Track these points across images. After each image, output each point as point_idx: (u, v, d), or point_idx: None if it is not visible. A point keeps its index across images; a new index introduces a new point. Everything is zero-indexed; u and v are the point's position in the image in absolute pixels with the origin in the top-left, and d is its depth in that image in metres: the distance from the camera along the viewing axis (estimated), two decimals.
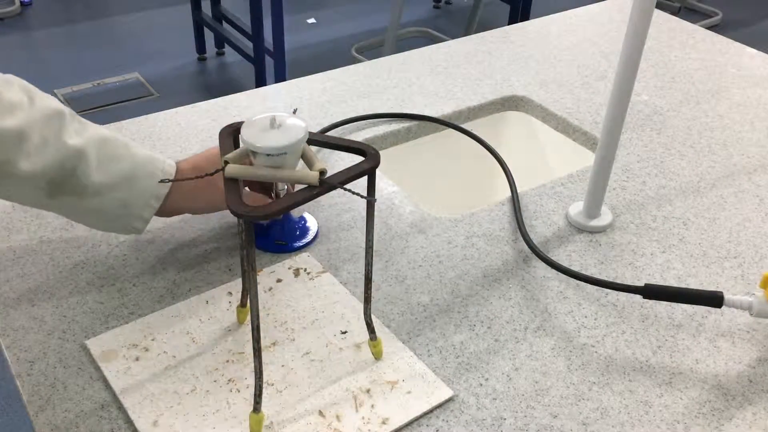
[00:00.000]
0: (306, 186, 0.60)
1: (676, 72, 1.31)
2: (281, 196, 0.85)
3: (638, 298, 0.82)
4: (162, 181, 0.70)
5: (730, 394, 0.72)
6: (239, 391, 0.70)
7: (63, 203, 0.76)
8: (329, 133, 1.08)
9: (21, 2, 3.66)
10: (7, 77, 0.73)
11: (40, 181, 0.72)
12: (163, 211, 0.81)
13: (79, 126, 0.76)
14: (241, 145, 0.63)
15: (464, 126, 1.17)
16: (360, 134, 1.10)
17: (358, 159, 0.65)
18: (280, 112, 0.63)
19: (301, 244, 0.87)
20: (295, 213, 0.90)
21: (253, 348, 0.62)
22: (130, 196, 0.77)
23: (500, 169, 1.04)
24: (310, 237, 0.89)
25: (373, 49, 3.23)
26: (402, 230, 0.91)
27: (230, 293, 0.80)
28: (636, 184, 1.02)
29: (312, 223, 0.91)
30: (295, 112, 0.66)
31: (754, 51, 1.41)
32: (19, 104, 0.71)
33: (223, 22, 3.20)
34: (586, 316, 0.80)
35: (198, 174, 0.79)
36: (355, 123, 1.12)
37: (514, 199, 0.96)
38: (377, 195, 0.96)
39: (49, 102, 0.74)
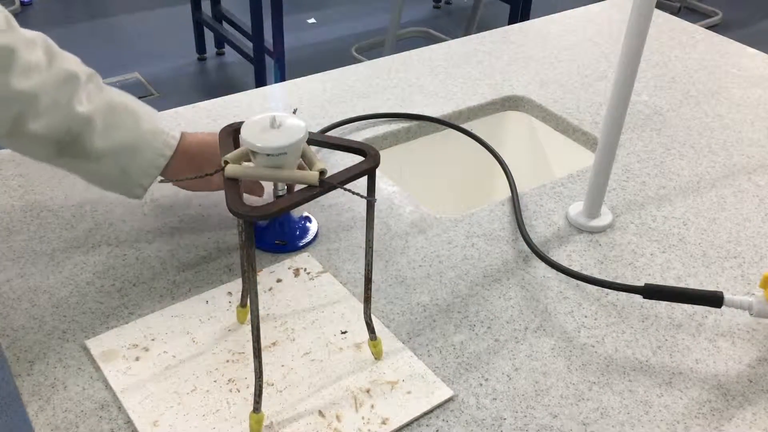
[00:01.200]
0: (306, 186, 0.60)
1: (676, 72, 1.31)
2: (280, 195, 0.85)
3: (638, 298, 0.82)
4: (161, 179, 0.71)
5: (730, 394, 0.72)
6: (239, 391, 0.70)
7: (69, 163, 0.79)
8: (329, 133, 1.08)
9: (21, 2, 3.66)
10: (32, 37, 0.75)
11: (49, 142, 0.75)
12: (165, 176, 0.83)
13: (94, 90, 0.78)
14: (241, 145, 0.63)
15: (464, 126, 1.17)
16: (360, 134, 1.10)
17: (358, 159, 0.65)
18: (280, 112, 0.63)
19: (301, 244, 0.87)
20: (295, 213, 0.90)
21: (253, 348, 0.62)
22: (130, 165, 0.79)
23: (500, 169, 1.04)
24: (311, 237, 0.88)
25: (373, 49, 3.23)
26: (402, 230, 0.91)
27: (230, 293, 0.80)
28: (636, 184, 1.02)
29: (312, 223, 0.91)
30: (295, 112, 0.66)
31: (754, 51, 1.41)
32: (36, 66, 0.73)
33: (223, 22, 3.19)
34: (586, 316, 0.80)
35: (198, 163, 0.82)
36: (355, 123, 1.12)
37: (515, 199, 0.96)
38: (377, 195, 0.96)
39: (66, 65, 0.76)
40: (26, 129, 0.74)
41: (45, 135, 0.75)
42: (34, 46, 0.74)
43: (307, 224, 0.90)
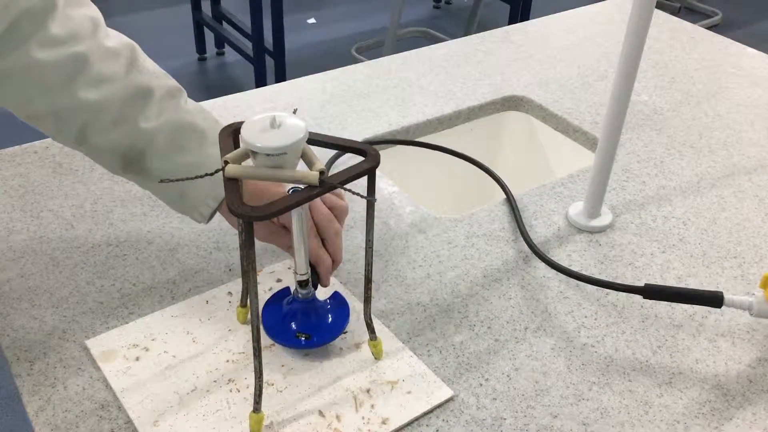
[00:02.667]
0: (306, 186, 0.60)
1: (676, 72, 1.31)
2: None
3: (638, 298, 0.82)
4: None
5: (730, 394, 0.72)
6: (239, 391, 0.70)
7: (135, 179, 0.77)
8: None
9: None
10: (116, 47, 0.72)
11: (113, 155, 0.74)
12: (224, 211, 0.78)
13: (169, 107, 0.74)
14: (241, 145, 0.63)
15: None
16: (360, 134, 1.10)
17: (358, 159, 0.65)
18: (280, 112, 0.63)
19: (331, 336, 0.73)
20: (320, 294, 0.74)
21: (253, 348, 0.62)
22: (189, 191, 0.75)
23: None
24: (344, 323, 0.74)
25: (373, 49, 3.23)
26: (402, 230, 0.91)
27: (230, 293, 0.80)
28: (636, 184, 1.02)
29: (344, 306, 0.75)
30: (295, 112, 0.66)
31: (754, 51, 1.41)
32: (109, 77, 0.71)
33: (223, 22, 3.19)
34: (586, 316, 0.80)
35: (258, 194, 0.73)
36: (355, 124, 1.12)
37: (514, 208, 0.96)
38: (377, 195, 0.96)
39: (143, 79, 0.73)
40: (90, 140, 0.73)
41: (108, 148, 0.73)
42: (115, 56, 0.72)
43: (339, 306, 0.76)
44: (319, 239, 0.73)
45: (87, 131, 0.72)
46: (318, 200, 0.74)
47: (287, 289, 0.76)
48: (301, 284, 0.71)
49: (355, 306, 0.79)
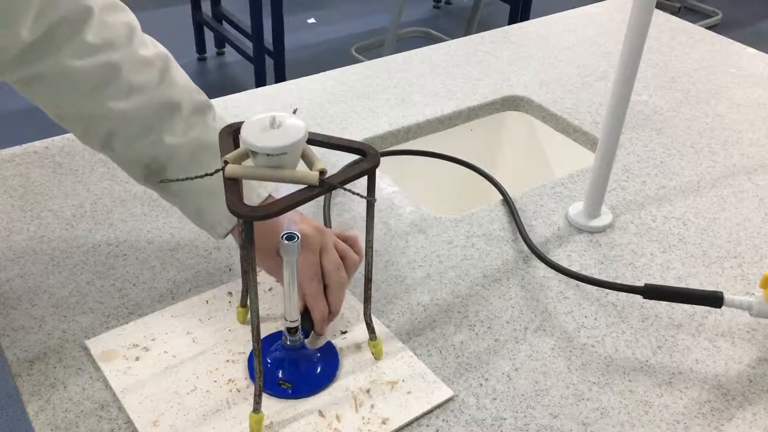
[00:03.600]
0: (306, 186, 0.60)
1: (676, 72, 1.31)
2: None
3: (638, 298, 0.82)
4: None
5: (730, 394, 0.72)
6: (239, 391, 0.69)
7: (156, 190, 0.77)
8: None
9: None
10: (150, 57, 0.72)
11: (135, 164, 0.74)
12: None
13: (197, 123, 0.74)
14: (241, 145, 0.63)
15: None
16: (360, 134, 1.10)
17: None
18: (280, 112, 0.63)
19: (311, 389, 0.70)
20: (309, 344, 0.72)
21: (253, 348, 0.62)
22: (205, 209, 0.75)
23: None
24: (328, 378, 0.71)
25: (373, 49, 3.23)
26: (402, 230, 0.91)
27: (230, 293, 0.80)
28: (636, 184, 1.02)
29: (334, 357, 0.73)
30: (295, 112, 0.66)
31: (754, 51, 1.41)
32: (140, 87, 0.71)
33: (223, 22, 3.19)
34: (586, 316, 0.80)
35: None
36: (355, 124, 1.12)
37: (513, 212, 0.96)
38: (377, 195, 0.96)
39: (173, 92, 0.72)
40: (116, 147, 0.73)
41: (132, 157, 0.73)
42: (148, 66, 0.72)
43: (328, 356, 0.73)
44: (322, 284, 0.72)
45: (113, 138, 0.72)
46: (331, 244, 0.73)
47: (279, 333, 0.72)
48: (290, 331, 0.69)
49: (355, 306, 0.79)
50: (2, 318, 0.77)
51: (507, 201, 0.96)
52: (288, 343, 0.70)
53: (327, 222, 0.90)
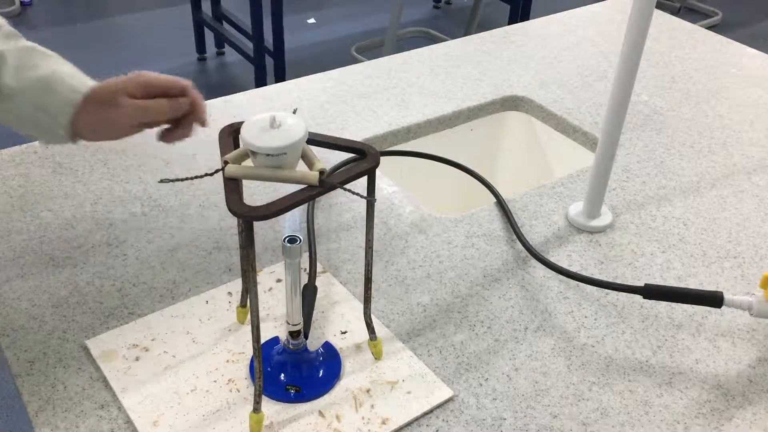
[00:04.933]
0: (306, 186, 0.60)
1: (676, 72, 1.31)
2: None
3: (638, 298, 0.82)
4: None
5: (730, 394, 0.72)
6: (239, 391, 0.69)
7: None
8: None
9: (21, 2, 3.65)
10: None
11: None
12: (78, 129, 0.76)
13: (12, 36, 0.76)
14: (241, 145, 0.63)
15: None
16: (360, 134, 1.10)
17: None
18: (280, 112, 0.63)
19: (321, 390, 0.70)
20: (311, 346, 0.72)
21: (253, 348, 0.62)
22: (43, 101, 0.75)
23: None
24: (334, 377, 0.71)
25: (373, 49, 3.23)
26: (402, 230, 0.91)
27: (230, 293, 0.80)
28: (636, 184, 1.02)
29: (335, 358, 0.73)
30: (295, 112, 0.66)
31: (754, 51, 1.41)
32: None
33: (223, 22, 3.19)
34: (586, 316, 0.80)
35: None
36: (355, 124, 1.12)
37: (508, 214, 0.96)
38: (377, 195, 0.96)
39: None
40: None
41: None
42: None
43: (330, 358, 0.73)
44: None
45: None
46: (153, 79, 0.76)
47: (276, 339, 0.73)
48: (293, 335, 0.69)
49: (355, 306, 0.79)
50: (2, 318, 0.77)
51: (501, 204, 0.96)
52: (290, 346, 0.70)
53: (311, 228, 0.88)
